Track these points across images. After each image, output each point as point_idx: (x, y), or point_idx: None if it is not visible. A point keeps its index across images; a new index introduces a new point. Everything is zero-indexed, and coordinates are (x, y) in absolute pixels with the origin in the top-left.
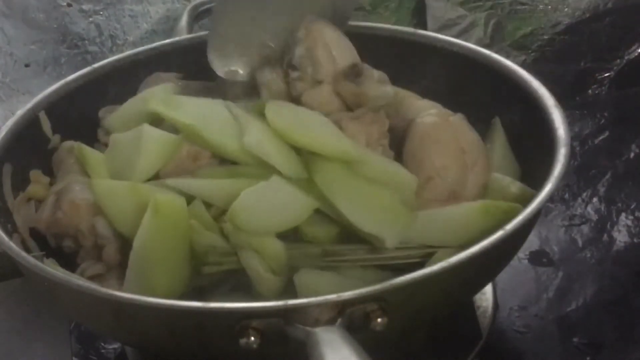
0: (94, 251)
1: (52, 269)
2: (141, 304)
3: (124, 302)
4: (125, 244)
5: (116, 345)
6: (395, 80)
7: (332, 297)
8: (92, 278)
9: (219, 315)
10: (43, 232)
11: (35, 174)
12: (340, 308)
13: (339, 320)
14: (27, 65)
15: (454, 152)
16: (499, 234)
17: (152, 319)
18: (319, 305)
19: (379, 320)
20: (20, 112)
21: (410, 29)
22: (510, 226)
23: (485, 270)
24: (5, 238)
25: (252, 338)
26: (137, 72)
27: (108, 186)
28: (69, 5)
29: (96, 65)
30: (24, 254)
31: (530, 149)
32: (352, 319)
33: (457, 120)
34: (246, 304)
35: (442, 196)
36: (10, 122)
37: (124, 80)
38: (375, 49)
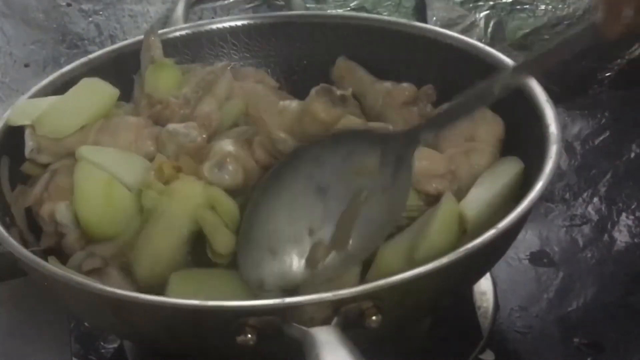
0: (54, 238)
1: (53, 266)
2: (139, 302)
3: (123, 300)
4: (85, 233)
5: (116, 345)
6: (388, 72)
7: (328, 295)
8: (90, 272)
9: (216, 312)
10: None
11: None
12: (336, 306)
13: (335, 319)
14: (26, 65)
15: None
16: (490, 232)
17: (150, 316)
18: (315, 303)
19: (374, 317)
20: (16, 104)
21: (404, 20)
22: (502, 224)
23: (476, 268)
24: (5, 233)
25: (249, 335)
26: (134, 62)
27: (89, 171)
28: (69, 5)
29: (92, 56)
30: (24, 250)
31: (527, 146)
32: (347, 317)
33: None
34: (244, 302)
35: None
36: (6, 115)
37: (119, 71)
38: (369, 41)
